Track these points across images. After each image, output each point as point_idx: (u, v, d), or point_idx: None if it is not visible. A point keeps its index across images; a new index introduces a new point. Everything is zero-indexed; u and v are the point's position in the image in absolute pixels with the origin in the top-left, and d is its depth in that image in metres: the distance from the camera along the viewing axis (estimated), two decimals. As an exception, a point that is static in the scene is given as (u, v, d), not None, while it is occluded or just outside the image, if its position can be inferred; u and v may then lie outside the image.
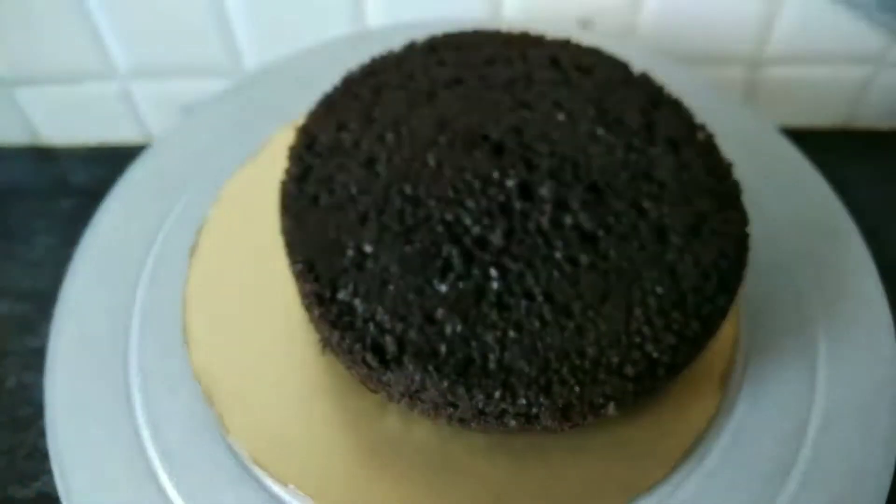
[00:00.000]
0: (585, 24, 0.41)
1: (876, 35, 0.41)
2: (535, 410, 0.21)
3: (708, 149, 0.26)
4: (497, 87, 0.28)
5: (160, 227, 0.31)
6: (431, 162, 0.25)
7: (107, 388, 0.27)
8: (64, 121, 0.46)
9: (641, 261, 0.24)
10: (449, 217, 0.24)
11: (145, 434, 0.26)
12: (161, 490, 0.25)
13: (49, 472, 0.26)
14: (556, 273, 0.23)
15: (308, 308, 0.24)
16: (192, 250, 0.30)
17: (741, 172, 0.26)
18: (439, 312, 0.22)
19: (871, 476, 0.25)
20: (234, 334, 0.28)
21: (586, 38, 0.30)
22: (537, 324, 0.22)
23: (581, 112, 0.27)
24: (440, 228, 0.24)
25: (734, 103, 0.37)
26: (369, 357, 0.22)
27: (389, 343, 0.22)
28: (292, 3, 0.40)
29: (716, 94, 0.37)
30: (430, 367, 0.21)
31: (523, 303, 0.23)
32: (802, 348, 0.28)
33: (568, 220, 0.24)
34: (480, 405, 0.21)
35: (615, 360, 0.22)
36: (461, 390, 0.21)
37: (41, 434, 0.29)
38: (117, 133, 0.47)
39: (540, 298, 0.23)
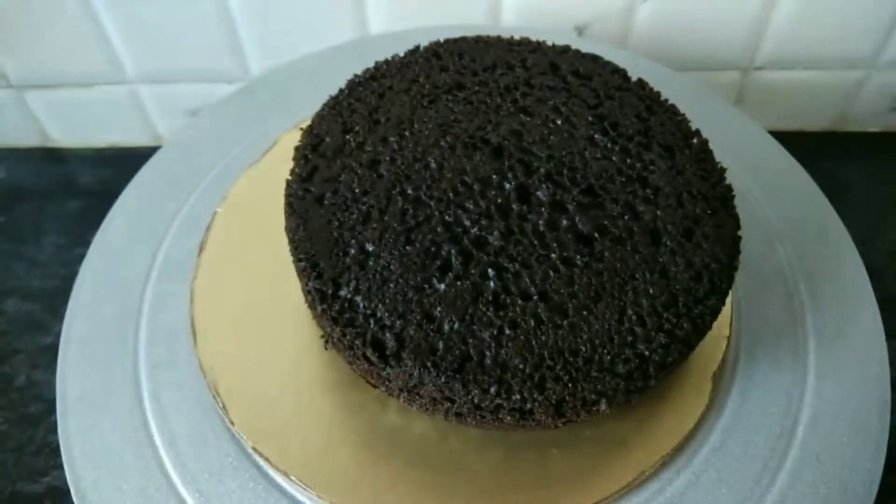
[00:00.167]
0: (582, 30, 0.42)
1: (866, 38, 0.42)
2: (529, 406, 0.22)
3: (702, 154, 0.27)
4: (497, 92, 0.28)
5: (171, 223, 0.32)
6: (433, 164, 0.26)
7: (116, 379, 0.28)
8: (73, 123, 0.47)
9: (635, 262, 0.24)
10: (449, 218, 0.25)
11: (152, 424, 0.27)
12: (167, 477, 0.25)
13: (59, 467, 0.26)
14: (551, 273, 0.24)
15: (311, 304, 0.25)
16: (201, 246, 0.31)
17: (734, 176, 0.27)
18: (438, 310, 0.23)
19: (860, 476, 0.26)
20: (240, 329, 0.28)
21: (582, 45, 0.31)
22: (532, 322, 0.23)
23: (579, 117, 0.28)
24: (440, 229, 0.25)
25: (727, 108, 0.38)
26: (369, 353, 0.23)
27: (389, 339, 0.23)
28: (297, 10, 0.41)
29: (708, 98, 0.38)
30: (428, 363, 0.22)
31: (519, 302, 0.23)
32: (793, 349, 0.29)
33: (564, 222, 0.25)
34: (476, 400, 0.22)
35: (608, 358, 0.23)
36: (458, 386, 0.22)
37: (50, 430, 0.30)
38: (125, 135, 0.48)
39: (535, 298, 0.23)
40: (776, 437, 0.26)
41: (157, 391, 0.28)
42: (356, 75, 0.29)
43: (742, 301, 0.30)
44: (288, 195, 0.26)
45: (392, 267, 0.24)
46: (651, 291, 0.24)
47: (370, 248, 0.24)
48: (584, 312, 0.23)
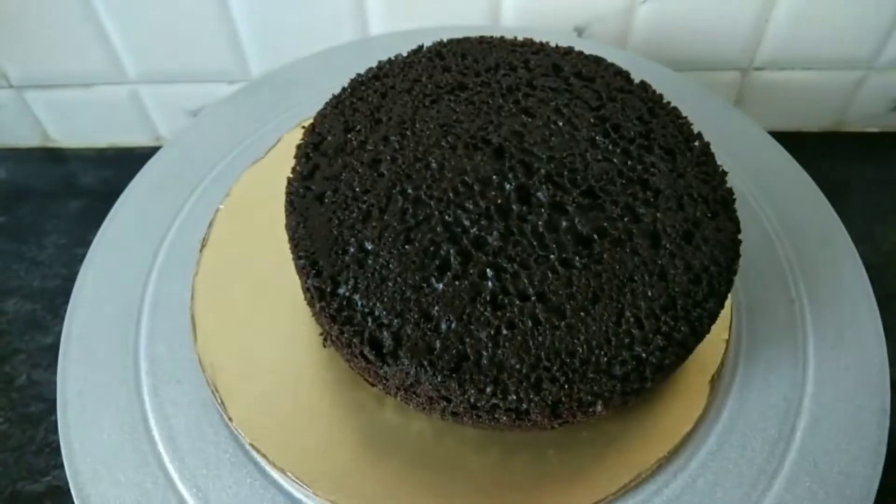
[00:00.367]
0: (581, 31, 0.42)
1: (865, 39, 0.42)
2: (525, 406, 0.22)
3: (703, 157, 0.27)
4: (500, 92, 0.29)
5: (172, 221, 0.32)
6: (434, 164, 0.26)
7: (116, 374, 0.28)
8: (73, 123, 0.48)
9: (634, 265, 0.24)
10: (448, 217, 0.25)
11: (151, 419, 0.27)
12: (165, 472, 0.26)
13: (59, 466, 0.27)
14: (550, 274, 0.24)
15: (310, 302, 0.25)
16: (203, 243, 0.31)
17: (733, 177, 0.27)
18: (436, 309, 0.23)
19: (857, 481, 0.26)
20: (240, 326, 0.29)
21: (581, 45, 0.31)
22: (530, 323, 0.23)
23: (580, 119, 0.28)
24: (440, 228, 0.25)
25: (726, 108, 0.38)
26: (367, 351, 0.23)
27: (386, 338, 0.23)
28: (297, 10, 0.41)
29: (708, 98, 0.38)
30: (425, 362, 0.22)
31: (517, 302, 0.23)
32: (792, 353, 0.29)
33: (563, 223, 0.25)
34: (472, 400, 0.22)
35: (604, 359, 0.23)
36: (454, 385, 0.22)
37: (51, 430, 0.31)
38: (126, 136, 0.48)
39: (533, 298, 0.23)
40: (774, 442, 0.26)
41: (157, 386, 0.28)
42: (359, 74, 0.30)
43: (742, 304, 0.30)
44: (289, 193, 0.26)
45: (391, 266, 0.24)
46: (649, 294, 0.24)
47: (369, 246, 0.24)
48: (582, 314, 0.23)
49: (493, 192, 0.25)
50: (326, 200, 0.26)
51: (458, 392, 0.22)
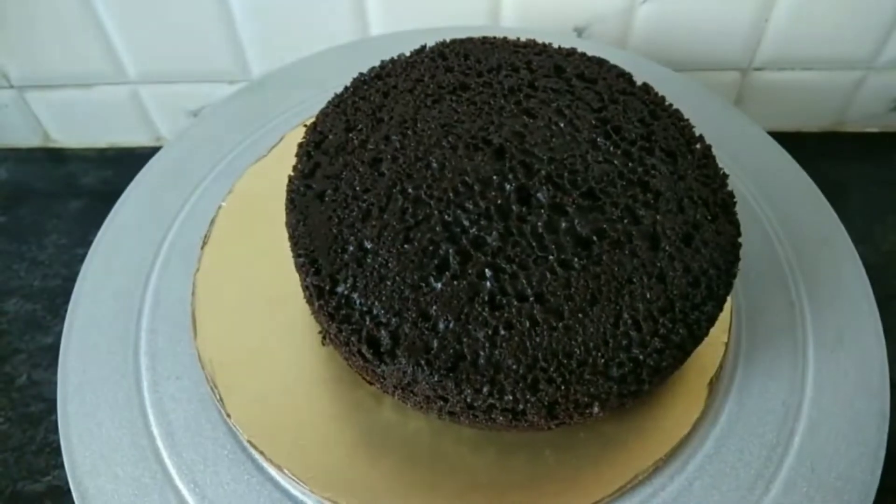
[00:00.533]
0: (581, 31, 0.42)
1: (865, 39, 0.42)
2: (521, 407, 0.22)
3: (704, 160, 0.27)
4: (501, 93, 0.29)
5: (176, 217, 0.33)
6: (434, 163, 0.26)
7: (116, 368, 0.28)
8: (74, 123, 0.48)
9: (633, 266, 0.24)
10: (448, 217, 0.25)
11: (150, 413, 0.27)
12: (162, 466, 0.26)
13: (59, 466, 0.27)
14: (548, 275, 0.24)
15: (309, 300, 0.25)
16: (204, 240, 0.31)
17: (733, 177, 0.27)
18: (434, 309, 0.23)
19: (856, 487, 0.26)
20: (240, 322, 0.29)
21: (581, 46, 0.31)
22: (527, 323, 0.23)
23: (582, 120, 0.28)
24: (439, 228, 0.25)
25: (726, 108, 0.38)
26: (364, 349, 0.23)
27: (384, 337, 0.23)
28: (297, 11, 0.41)
29: (708, 98, 0.37)
30: (422, 362, 0.22)
31: (515, 303, 0.23)
32: (792, 357, 0.28)
33: (563, 224, 0.25)
34: (469, 400, 0.22)
35: (601, 361, 0.23)
36: (450, 385, 0.22)
37: (51, 430, 0.31)
38: (126, 136, 0.48)
39: (531, 299, 0.23)
40: (772, 446, 0.26)
41: (157, 382, 0.28)
42: (361, 73, 0.30)
43: (742, 307, 0.30)
44: (289, 191, 0.26)
45: (390, 265, 0.24)
46: (648, 296, 0.24)
47: (369, 245, 0.24)
48: (580, 315, 0.23)
49: (493, 193, 0.25)
50: (327, 199, 0.26)
51: (454, 392, 0.22)
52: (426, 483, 0.25)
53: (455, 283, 0.24)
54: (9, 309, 0.40)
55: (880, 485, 0.26)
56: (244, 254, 0.31)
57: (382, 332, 0.23)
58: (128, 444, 0.26)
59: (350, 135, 0.27)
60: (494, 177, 0.26)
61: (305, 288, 0.25)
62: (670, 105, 0.29)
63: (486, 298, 0.23)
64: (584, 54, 0.30)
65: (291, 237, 0.25)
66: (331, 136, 0.28)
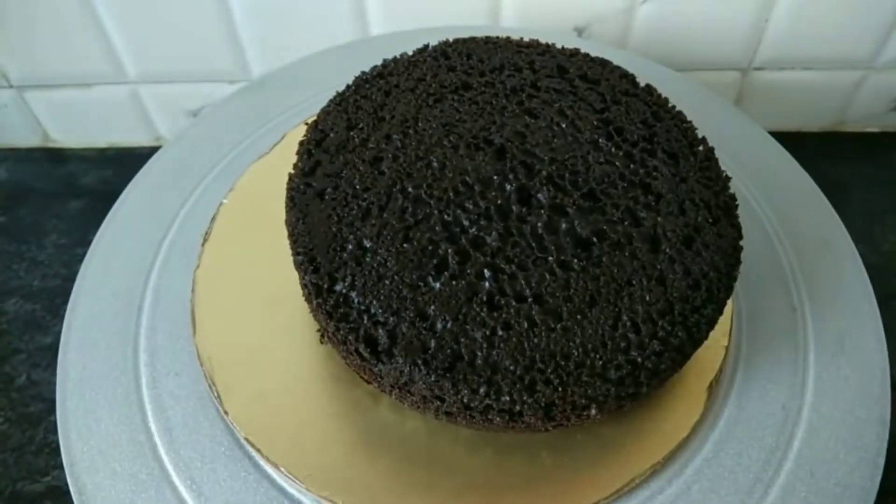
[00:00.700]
0: (581, 31, 0.42)
1: (865, 39, 0.41)
2: (518, 408, 0.22)
3: (706, 162, 0.27)
4: (504, 93, 0.28)
5: (177, 214, 0.33)
6: (435, 163, 0.26)
7: (115, 364, 0.28)
8: (74, 123, 0.48)
9: (632, 268, 0.24)
10: (448, 217, 0.25)
11: (149, 410, 0.27)
12: (160, 462, 0.26)
13: (59, 467, 0.27)
14: (547, 276, 0.24)
15: (307, 298, 0.25)
16: (205, 237, 0.31)
17: (734, 177, 0.27)
18: (431, 309, 0.23)
19: (854, 493, 0.26)
20: (240, 320, 0.29)
21: (581, 46, 0.31)
22: (526, 324, 0.23)
23: (584, 121, 0.28)
24: (438, 227, 0.25)
25: (726, 108, 0.37)
26: (362, 348, 0.23)
27: (381, 336, 0.23)
28: (297, 10, 0.41)
29: (708, 98, 0.37)
30: (419, 361, 0.22)
31: (513, 303, 0.23)
32: (793, 362, 0.28)
33: (563, 225, 0.25)
34: (465, 400, 0.22)
35: (599, 363, 0.22)
36: (447, 385, 0.22)
37: (51, 430, 0.30)
38: (126, 136, 0.48)
39: (530, 300, 0.23)
40: (770, 450, 0.26)
41: (156, 378, 0.28)
42: (363, 72, 0.30)
43: (742, 310, 0.29)
44: (289, 189, 0.26)
45: (388, 264, 0.24)
46: (647, 298, 0.24)
47: (368, 244, 0.24)
48: (579, 317, 0.23)
49: (494, 193, 0.25)
50: (327, 197, 0.26)
51: (451, 392, 0.22)
52: (423, 483, 0.25)
53: (453, 282, 0.24)
54: (8, 309, 0.40)
55: (881, 485, 0.26)
56: (245, 251, 0.31)
57: (380, 331, 0.23)
58: (126, 440, 0.26)
59: (351, 133, 0.27)
60: (495, 177, 0.26)
61: (304, 286, 0.25)
62: (673, 107, 0.29)
63: (485, 299, 0.23)
64: (587, 55, 0.30)
65: (291, 235, 0.25)
66: (332, 135, 0.27)
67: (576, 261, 0.24)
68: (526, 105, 0.28)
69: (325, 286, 0.24)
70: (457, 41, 0.31)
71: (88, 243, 0.32)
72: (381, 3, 0.41)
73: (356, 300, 0.23)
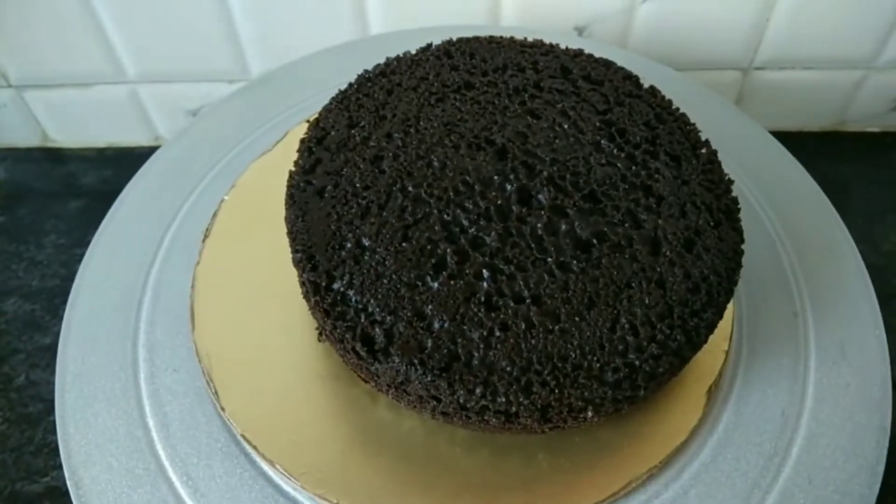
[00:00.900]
0: (581, 31, 0.42)
1: (865, 39, 0.41)
2: (514, 409, 0.22)
3: (709, 165, 0.27)
4: (506, 93, 0.28)
5: (178, 211, 0.33)
6: (435, 162, 0.26)
7: (114, 359, 0.28)
8: (73, 123, 0.48)
9: (632, 271, 0.24)
10: (447, 217, 0.25)
11: (146, 405, 0.27)
12: (156, 458, 0.26)
13: (58, 467, 0.27)
14: (546, 277, 0.24)
15: (306, 296, 0.25)
16: (206, 233, 0.31)
17: (734, 177, 0.27)
18: (429, 308, 0.23)
19: (853, 500, 0.25)
20: (238, 317, 0.29)
21: (581, 45, 0.31)
22: (523, 325, 0.23)
23: (586, 122, 0.27)
24: (438, 227, 0.25)
25: (727, 108, 0.37)
26: (359, 347, 0.23)
27: (378, 335, 0.23)
28: (297, 10, 0.41)
29: (709, 98, 0.37)
30: (416, 361, 0.22)
31: (511, 304, 0.23)
32: (793, 368, 0.28)
33: (563, 226, 0.25)
34: (461, 401, 0.22)
35: (597, 365, 0.22)
36: (443, 385, 0.22)
37: (50, 430, 0.30)
38: (125, 135, 0.48)
39: (528, 301, 0.23)
40: (769, 456, 0.26)
41: (154, 374, 0.28)
42: (366, 70, 0.30)
43: (743, 315, 0.29)
44: (289, 186, 0.26)
45: (387, 263, 0.24)
46: (646, 301, 0.23)
47: (366, 242, 0.24)
48: (577, 318, 0.23)
49: (494, 193, 0.25)
50: (326, 195, 0.26)
51: (447, 392, 0.22)
52: (419, 483, 0.25)
53: (452, 282, 0.23)
54: (7, 309, 0.40)
55: (881, 487, 0.25)
56: (245, 248, 0.31)
57: (377, 329, 0.23)
58: (123, 434, 0.26)
59: (352, 131, 0.27)
60: (495, 177, 0.26)
61: (302, 284, 0.25)
62: (677, 109, 0.28)
63: (483, 299, 0.23)
64: (591, 56, 0.30)
65: (290, 232, 0.25)
66: (333, 133, 0.27)
67: (575, 262, 0.24)
68: (528, 105, 0.28)
69: (323, 284, 0.24)
70: (460, 40, 0.31)
71: (87, 243, 0.32)
72: (381, 3, 0.41)
73: (354, 298, 0.23)
